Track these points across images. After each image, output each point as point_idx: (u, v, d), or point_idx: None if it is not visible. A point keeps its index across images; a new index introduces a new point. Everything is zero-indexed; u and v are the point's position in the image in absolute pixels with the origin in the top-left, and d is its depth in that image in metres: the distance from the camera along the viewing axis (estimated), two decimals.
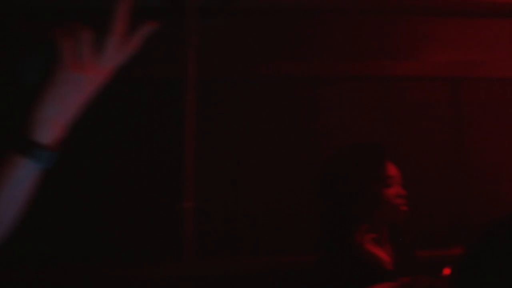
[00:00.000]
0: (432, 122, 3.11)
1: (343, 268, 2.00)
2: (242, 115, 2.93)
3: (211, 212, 2.82)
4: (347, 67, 3.02)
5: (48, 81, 0.99)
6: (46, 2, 2.74)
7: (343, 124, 2.98)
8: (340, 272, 1.99)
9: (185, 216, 2.73)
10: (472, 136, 3.14)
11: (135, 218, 2.77)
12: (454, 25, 3.20)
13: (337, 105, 2.99)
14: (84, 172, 2.77)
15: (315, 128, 2.96)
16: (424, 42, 3.14)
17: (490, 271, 0.89)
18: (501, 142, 3.14)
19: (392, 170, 2.16)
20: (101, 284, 2.63)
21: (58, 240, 2.70)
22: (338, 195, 2.08)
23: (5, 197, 0.97)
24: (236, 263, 2.79)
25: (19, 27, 2.63)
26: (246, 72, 2.93)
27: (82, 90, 1.00)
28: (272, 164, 2.92)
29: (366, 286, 1.86)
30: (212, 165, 2.85)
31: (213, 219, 2.83)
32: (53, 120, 0.99)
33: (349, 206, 2.06)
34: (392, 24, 3.12)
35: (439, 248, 2.86)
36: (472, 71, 3.17)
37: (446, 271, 1.84)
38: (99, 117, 2.74)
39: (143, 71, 2.79)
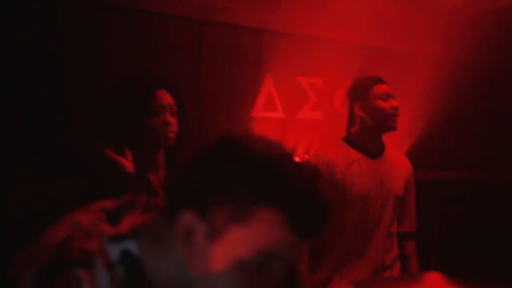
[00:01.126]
0: (173, 60, 3.22)
1: (93, 177, 2.22)
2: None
3: None
4: None
5: None
6: None
7: (84, 52, 2.90)
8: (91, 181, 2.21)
9: None
10: (209, 79, 3.34)
11: None
12: None
13: (81, 33, 2.90)
14: None
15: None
16: None
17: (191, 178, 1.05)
18: (233, 87, 3.42)
19: (163, 99, 2.29)
20: None
21: None
22: (111, 123, 2.27)
23: None
24: None
25: None
26: None
27: None
28: None
29: (114, 187, 2.11)
30: None
31: None
32: None
33: (118, 134, 2.22)
34: None
35: None
36: (215, 15, 3.34)
37: None
38: None
39: None
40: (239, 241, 0.99)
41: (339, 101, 3.86)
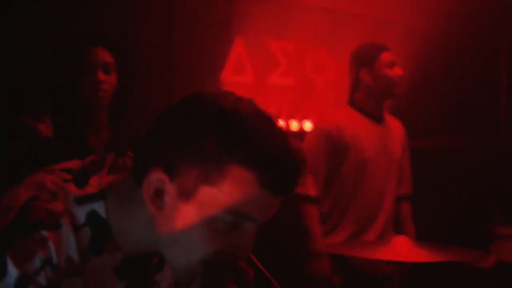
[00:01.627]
0: (144, 23, 3.15)
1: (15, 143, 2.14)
2: None
3: None
4: None
5: None
6: None
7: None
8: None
9: None
10: (180, 42, 3.29)
11: None
12: None
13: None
14: None
15: None
16: None
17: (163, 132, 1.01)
18: (204, 50, 3.36)
19: (95, 56, 2.19)
20: None
21: None
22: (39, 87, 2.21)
23: None
24: None
25: None
26: None
27: None
28: None
29: (33, 155, 2.05)
30: None
31: None
32: None
33: (40, 98, 2.18)
34: None
35: None
36: None
37: None
38: None
39: None
40: (209, 200, 0.96)
41: (310, 66, 3.84)
